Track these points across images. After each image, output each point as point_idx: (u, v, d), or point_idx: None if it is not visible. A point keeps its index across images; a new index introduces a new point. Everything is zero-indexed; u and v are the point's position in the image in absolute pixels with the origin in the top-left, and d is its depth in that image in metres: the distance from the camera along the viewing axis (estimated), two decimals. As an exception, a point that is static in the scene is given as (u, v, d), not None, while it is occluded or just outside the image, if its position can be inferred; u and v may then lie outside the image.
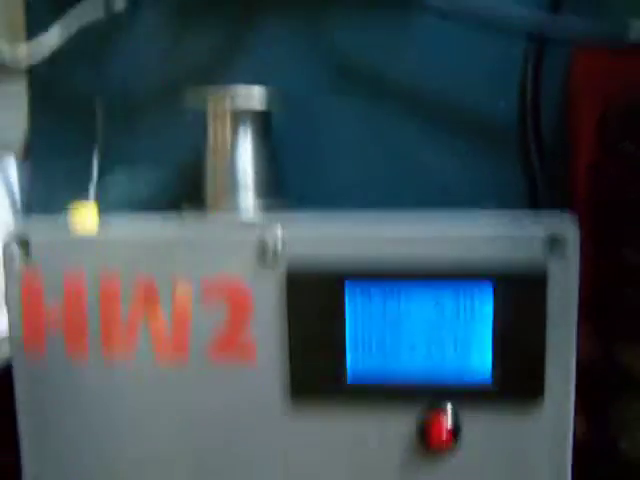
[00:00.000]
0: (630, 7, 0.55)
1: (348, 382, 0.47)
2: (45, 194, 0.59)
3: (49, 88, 0.60)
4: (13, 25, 0.61)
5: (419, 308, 0.47)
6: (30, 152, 0.60)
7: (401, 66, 0.56)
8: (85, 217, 0.54)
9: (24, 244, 0.47)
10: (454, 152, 0.56)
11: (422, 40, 0.56)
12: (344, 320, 0.46)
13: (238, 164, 0.52)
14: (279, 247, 0.46)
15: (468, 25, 0.53)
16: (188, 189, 0.57)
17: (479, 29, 0.53)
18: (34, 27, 0.60)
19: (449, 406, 0.46)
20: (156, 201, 0.58)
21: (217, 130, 0.52)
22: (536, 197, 0.56)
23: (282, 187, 0.56)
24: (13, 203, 0.60)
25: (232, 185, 0.52)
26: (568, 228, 0.46)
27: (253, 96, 0.52)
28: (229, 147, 0.52)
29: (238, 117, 0.52)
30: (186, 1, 0.58)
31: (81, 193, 0.58)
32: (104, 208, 0.56)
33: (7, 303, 0.47)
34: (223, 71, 0.57)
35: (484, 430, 0.46)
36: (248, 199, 0.53)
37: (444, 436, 0.46)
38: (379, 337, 0.47)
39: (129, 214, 0.58)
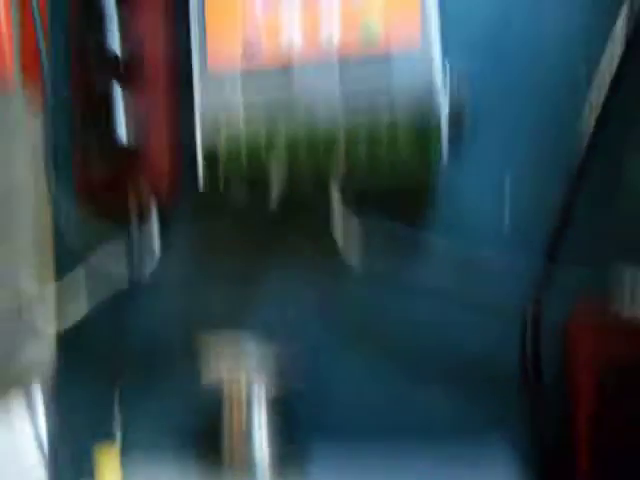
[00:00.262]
0: (625, 253, 0.58)
1: None
2: (70, 433, 0.61)
3: (74, 334, 0.63)
4: (43, 266, 0.65)
5: None
6: (56, 392, 0.63)
7: (402, 327, 0.60)
8: (108, 465, 0.56)
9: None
10: (454, 400, 0.59)
11: (420, 296, 0.60)
12: None
13: (253, 429, 0.56)
14: None
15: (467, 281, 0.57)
16: (207, 433, 0.59)
17: (477, 304, 0.57)
18: (63, 268, 0.64)
19: None
20: (176, 439, 0.61)
21: (233, 407, 0.56)
22: (539, 450, 0.57)
23: (293, 433, 0.58)
24: (39, 441, 0.62)
25: (247, 442, 0.55)
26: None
27: (264, 373, 0.57)
28: (244, 416, 0.56)
29: (252, 393, 0.56)
30: (194, 271, 0.63)
31: (105, 432, 0.60)
32: (127, 448, 0.59)
33: None
34: (235, 325, 0.60)
35: None
36: (262, 453, 0.56)
37: None
38: None
39: (151, 458, 0.60)
